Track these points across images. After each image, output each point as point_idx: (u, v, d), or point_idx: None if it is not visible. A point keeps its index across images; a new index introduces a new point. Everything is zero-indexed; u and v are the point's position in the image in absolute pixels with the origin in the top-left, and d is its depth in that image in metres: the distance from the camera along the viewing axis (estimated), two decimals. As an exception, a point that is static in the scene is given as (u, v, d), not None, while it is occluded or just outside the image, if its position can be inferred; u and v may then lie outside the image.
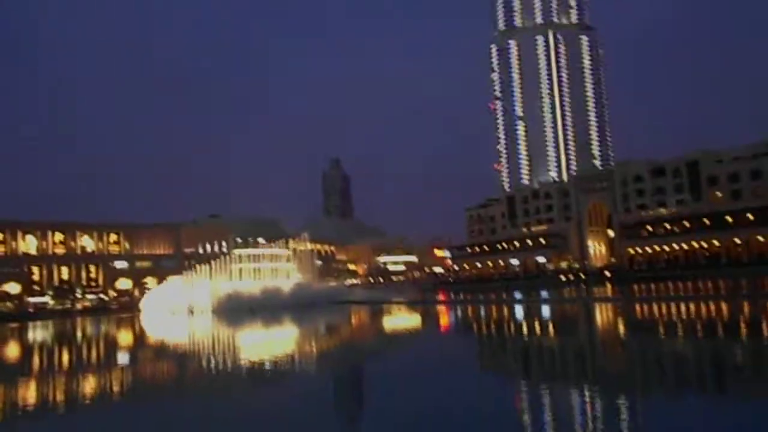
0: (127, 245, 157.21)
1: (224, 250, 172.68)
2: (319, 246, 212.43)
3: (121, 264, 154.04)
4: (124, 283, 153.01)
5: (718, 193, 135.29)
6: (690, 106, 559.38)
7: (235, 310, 74.32)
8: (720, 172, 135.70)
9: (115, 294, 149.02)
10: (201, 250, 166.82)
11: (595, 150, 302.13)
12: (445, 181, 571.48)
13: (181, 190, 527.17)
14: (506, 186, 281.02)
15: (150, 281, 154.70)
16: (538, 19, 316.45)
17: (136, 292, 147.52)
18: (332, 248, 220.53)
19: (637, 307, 41.60)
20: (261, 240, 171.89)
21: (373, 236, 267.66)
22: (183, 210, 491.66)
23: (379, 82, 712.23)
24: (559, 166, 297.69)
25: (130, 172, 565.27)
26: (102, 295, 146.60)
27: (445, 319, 45.88)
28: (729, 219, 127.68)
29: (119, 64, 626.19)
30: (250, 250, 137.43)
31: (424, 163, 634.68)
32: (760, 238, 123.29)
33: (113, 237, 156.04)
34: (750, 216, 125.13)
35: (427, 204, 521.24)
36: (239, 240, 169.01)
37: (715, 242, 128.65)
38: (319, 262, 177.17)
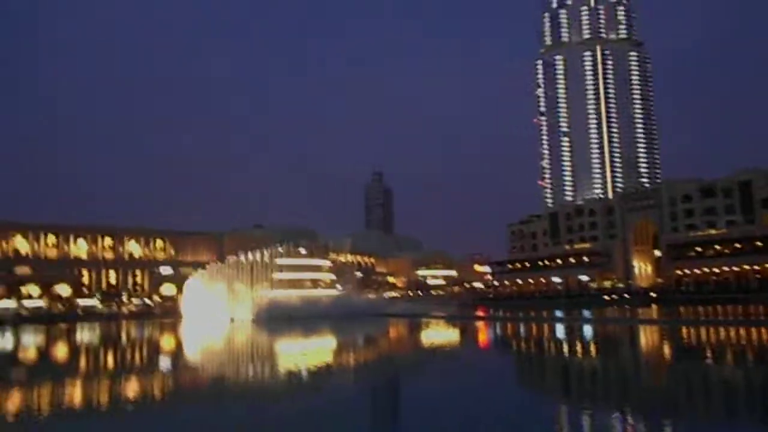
0: (172, 251, 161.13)
1: (266, 259, 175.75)
2: (359, 258, 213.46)
3: (166, 270, 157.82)
4: (168, 289, 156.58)
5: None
6: (740, 125, 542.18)
7: (275, 319, 75.18)
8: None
9: (159, 299, 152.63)
10: (243, 259, 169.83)
11: (642, 167, 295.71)
12: (486, 197, 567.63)
13: (223, 200, 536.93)
14: (549, 202, 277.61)
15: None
16: (586, 34, 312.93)
17: (180, 298, 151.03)
18: (372, 260, 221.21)
19: (684, 330, 40.42)
20: (302, 250, 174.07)
21: (412, 250, 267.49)
22: (225, 220, 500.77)
23: (422, 97, 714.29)
24: (604, 183, 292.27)
25: (173, 180, 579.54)
26: (147, 300, 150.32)
27: (483, 336, 45.46)
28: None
29: (167, 67, 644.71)
30: (291, 260, 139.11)
31: (466, 178, 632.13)
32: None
33: (159, 243, 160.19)
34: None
35: (469, 219, 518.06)
36: (281, 249, 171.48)
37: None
38: (359, 274, 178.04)
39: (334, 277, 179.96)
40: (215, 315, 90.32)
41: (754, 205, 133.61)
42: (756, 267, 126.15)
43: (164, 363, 32.40)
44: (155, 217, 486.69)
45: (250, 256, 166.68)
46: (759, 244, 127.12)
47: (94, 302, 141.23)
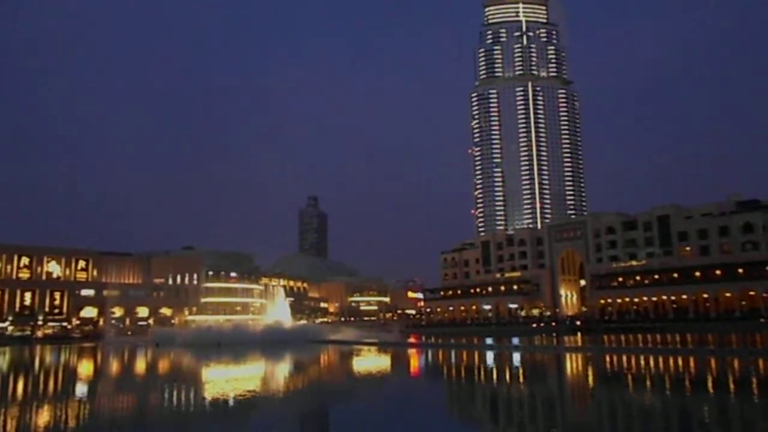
0: (95, 273, 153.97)
1: (195, 282, 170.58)
2: (292, 282, 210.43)
3: (87, 292, 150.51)
4: (89, 312, 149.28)
5: (688, 248, 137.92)
6: (662, 162, 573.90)
7: (202, 345, 72.69)
8: (689, 227, 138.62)
9: (78, 322, 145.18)
10: (171, 282, 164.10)
11: (570, 200, 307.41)
12: (421, 224, 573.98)
13: (155, 220, 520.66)
14: (482, 231, 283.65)
15: (117, 311, 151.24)
16: (518, 71, 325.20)
17: (101, 322, 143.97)
18: (305, 285, 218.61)
19: (607, 358, 41.71)
20: (233, 274, 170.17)
21: (346, 275, 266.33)
22: (156, 240, 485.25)
23: (361, 124, 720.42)
24: (534, 214, 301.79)
25: (102, 199, 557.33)
26: (65, 323, 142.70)
27: (415, 363, 45.42)
28: (697, 274, 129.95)
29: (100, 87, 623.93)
30: (221, 284, 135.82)
31: (402, 206, 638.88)
32: (727, 294, 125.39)
33: (81, 264, 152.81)
34: (718, 272, 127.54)
35: (403, 246, 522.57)
36: (211, 273, 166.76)
37: (684, 296, 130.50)
38: (291, 299, 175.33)
39: (265, 301, 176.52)
40: (139, 339, 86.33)
41: (672, 238, 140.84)
42: (673, 297, 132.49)
43: (73, 391, 30.56)
44: (78, 236, 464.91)
45: (178, 279, 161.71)
46: (675, 275, 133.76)
47: (5, 325, 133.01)
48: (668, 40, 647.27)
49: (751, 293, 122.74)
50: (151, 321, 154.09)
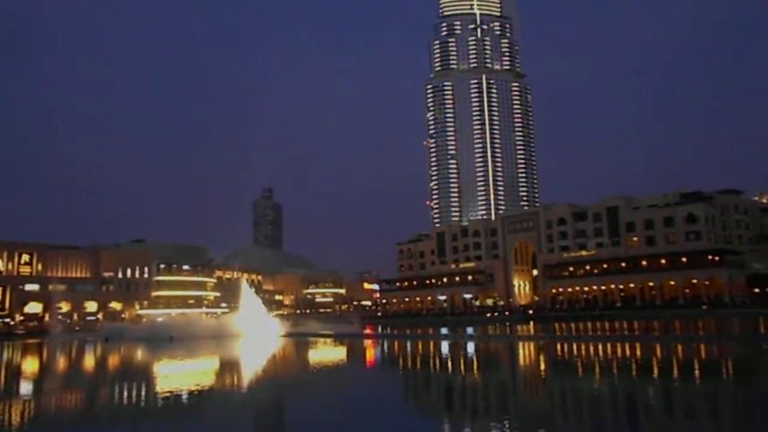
0: (40, 267, 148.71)
1: (146, 276, 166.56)
2: (246, 275, 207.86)
3: (32, 287, 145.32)
4: (34, 307, 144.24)
5: (635, 238, 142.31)
6: (610, 154, 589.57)
7: (155, 339, 71.16)
8: (636, 218, 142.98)
9: (22, 318, 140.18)
10: (121, 275, 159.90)
11: (523, 191, 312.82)
12: (378, 216, 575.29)
13: (103, 213, 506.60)
14: (437, 222, 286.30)
15: (64, 306, 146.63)
16: (473, 63, 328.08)
17: (47, 317, 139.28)
18: (260, 278, 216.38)
19: (558, 346, 42.70)
20: (186, 267, 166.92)
21: (302, 267, 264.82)
22: (104, 233, 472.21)
23: (314, 114, 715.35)
24: (488, 205, 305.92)
25: (47, 190, 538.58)
26: (8, 320, 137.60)
27: (371, 354, 45.55)
28: (644, 263, 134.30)
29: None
30: (173, 277, 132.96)
31: (358, 198, 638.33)
32: (672, 282, 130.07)
33: (25, 257, 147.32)
34: (663, 261, 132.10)
35: (360, 238, 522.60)
36: (162, 266, 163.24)
37: (631, 284, 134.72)
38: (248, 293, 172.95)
39: (219, 294, 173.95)
40: (88, 335, 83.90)
41: (620, 228, 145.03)
42: (621, 286, 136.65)
43: (17, 389, 29.49)
44: (22, 229, 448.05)
45: (128, 272, 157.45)
46: (623, 264, 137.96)
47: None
48: (620, 34, 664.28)
49: (694, 281, 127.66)
50: (100, 316, 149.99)
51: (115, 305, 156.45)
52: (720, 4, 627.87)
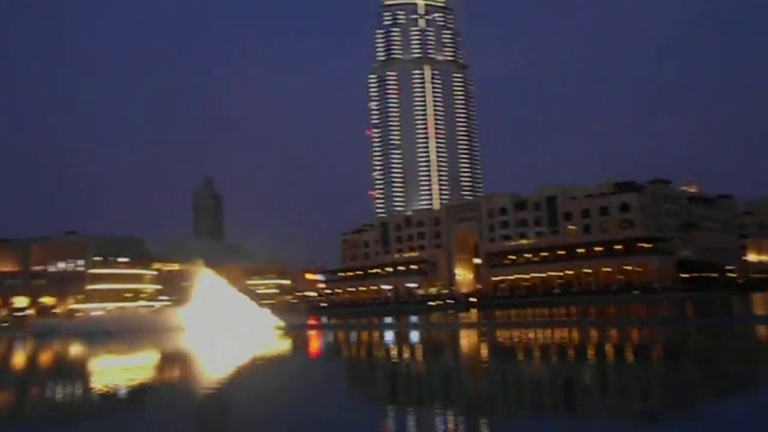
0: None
1: (80, 269, 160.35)
2: (186, 267, 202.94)
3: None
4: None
5: (572, 227, 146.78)
6: (550, 145, 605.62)
7: (90, 335, 68.67)
8: (573, 207, 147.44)
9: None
10: (53, 269, 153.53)
11: (465, 182, 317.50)
12: (322, 206, 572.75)
13: (32, 204, 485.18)
14: (381, 212, 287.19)
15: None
16: (416, 54, 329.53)
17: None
18: (200, 269, 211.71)
19: (499, 332, 43.64)
20: (123, 259, 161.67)
21: (245, 258, 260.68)
22: (34, 226, 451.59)
23: (257, 103, 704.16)
24: (431, 195, 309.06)
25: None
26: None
27: (315, 344, 45.34)
28: (580, 251, 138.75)
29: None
30: (109, 270, 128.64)
31: (302, 187, 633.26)
32: (606, 269, 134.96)
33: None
34: (598, 249, 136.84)
35: (304, 228, 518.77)
36: (98, 259, 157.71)
37: (569, 271, 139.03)
38: (186, 284, 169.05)
39: (158, 287, 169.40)
40: (18, 331, 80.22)
41: (558, 217, 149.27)
42: (559, 273, 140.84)
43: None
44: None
45: (61, 266, 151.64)
46: (561, 252, 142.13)
47: None
48: (561, 26, 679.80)
49: (627, 267, 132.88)
50: (31, 311, 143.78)
51: (47, 300, 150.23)
52: None
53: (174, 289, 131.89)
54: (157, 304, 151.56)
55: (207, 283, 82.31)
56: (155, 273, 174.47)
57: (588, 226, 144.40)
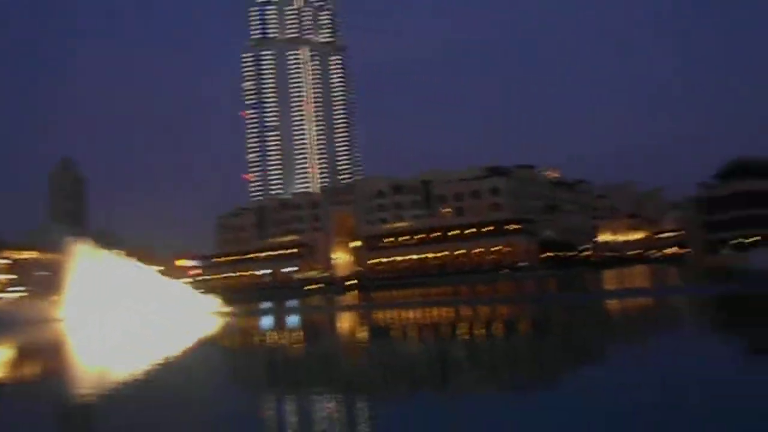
0: None
1: None
2: (43, 255, 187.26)
3: None
4: None
5: (447, 210, 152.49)
6: (428, 129, 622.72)
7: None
8: (448, 191, 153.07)
9: None
10: None
11: (344, 165, 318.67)
12: (196, 189, 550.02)
13: None
14: (257, 196, 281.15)
15: None
16: (292, 33, 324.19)
17: None
18: (60, 258, 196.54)
19: (377, 313, 44.47)
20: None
21: (111, 245, 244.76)
22: None
23: (124, 83, 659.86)
24: (309, 178, 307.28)
25: None
26: None
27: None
28: (454, 233, 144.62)
29: None
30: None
31: (174, 170, 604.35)
32: (478, 250, 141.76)
33: None
34: (470, 230, 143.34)
35: (177, 212, 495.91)
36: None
37: (444, 253, 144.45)
38: (44, 274, 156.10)
39: (12, 276, 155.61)
40: None
41: (434, 200, 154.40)
42: (436, 255, 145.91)
43: None
44: None
45: None
46: (437, 235, 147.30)
47: None
48: (443, 14, 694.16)
49: (496, 248, 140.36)
50: None
51: None
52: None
53: (30, 278, 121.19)
54: (7, 296, 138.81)
55: (89, 264, 69.33)
56: (8, 262, 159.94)
57: (461, 208, 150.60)
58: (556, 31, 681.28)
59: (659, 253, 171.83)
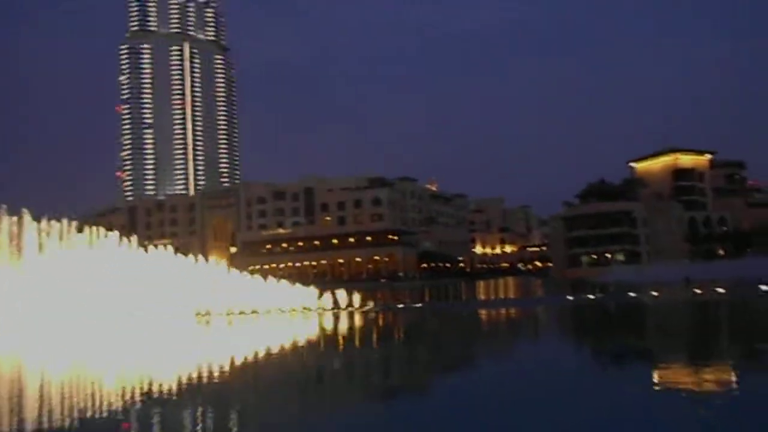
0: None
1: None
2: None
3: None
4: None
5: (328, 218, 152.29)
6: (312, 136, 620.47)
7: None
8: (330, 199, 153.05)
9: None
10: None
11: (224, 168, 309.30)
12: (61, 186, 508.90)
13: None
14: (129, 196, 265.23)
15: None
16: (174, 28, 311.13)
17: None
18: None
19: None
20: None
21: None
22: None
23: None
24: (186, 179, 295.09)
25: None
26: None
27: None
28: (335, 241, 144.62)
29: None
30: None
31: (39, 165, 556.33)
32: (358, 259, 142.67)
33: None
34: (351, 239, 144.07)
35: (40, 211, 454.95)
36: None
37: (323, 261, 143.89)
38: None
39: None
40: None
41: (315, 208, 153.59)
42: (314, 263, 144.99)
43: None
44: None
45: None
46: (317, 243, 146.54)
47: None
48: (337, 17, 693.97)
49: (376, 258, 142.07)
50: None
51: None
52: None
53: None
54: None
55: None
56: None
57: (343, 217, 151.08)
58: (440, 39, 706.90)
59: (527, 266, 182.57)
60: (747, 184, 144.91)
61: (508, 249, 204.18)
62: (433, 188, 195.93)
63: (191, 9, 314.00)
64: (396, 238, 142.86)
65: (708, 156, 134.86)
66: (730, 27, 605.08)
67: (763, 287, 38.79)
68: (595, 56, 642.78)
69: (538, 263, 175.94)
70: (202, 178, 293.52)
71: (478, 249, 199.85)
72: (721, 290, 42.88)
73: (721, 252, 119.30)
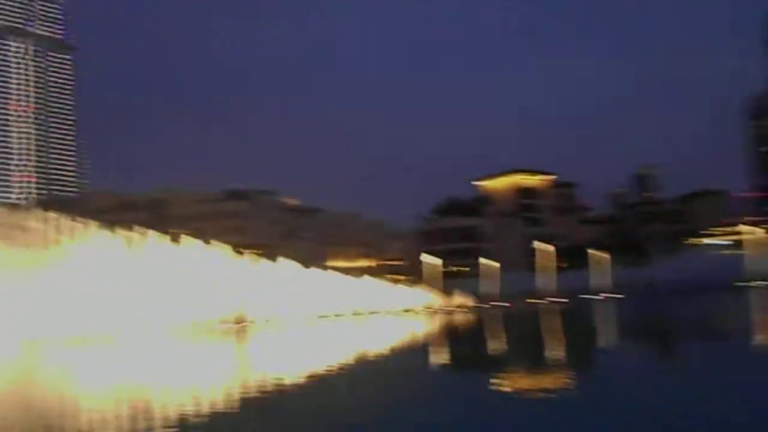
0: None
1: None
2: None
3: None
4: None
5: (179, 231, 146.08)
6: (170, 145, 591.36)
7: None
8: (185, 211, 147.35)
9: None
10: None
11: (68, 176, 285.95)
12: None
13: None
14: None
15: None
16: (14, 21, 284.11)
17: None
18: None
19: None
20: None
21: None
22: None
23: None
24: (24, 188, 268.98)
25: None
26: None
27: None
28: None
29: None
30: None
31: None
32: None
33: None
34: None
35: None
36: None
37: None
38: None
39: None
40: None
41: (168, 220, 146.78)
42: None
43: None
44: None
45: None
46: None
47: None
48: (198, 26, 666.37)
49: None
50: None
51: None
52: None
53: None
54: None
55: None
56: None
57: (200, 230, 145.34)
58: (338, 48, 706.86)
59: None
60: (576, 203, 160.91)
61: (366, 263, 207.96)
62: (294, 202, 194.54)
63: (33, 3, 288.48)
64: (255, 252, 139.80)
65: (550, 177, 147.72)
66: (595, 47, 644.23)
67: (584, 295, 43.45)
68: (454, 74, 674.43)
69: (397, 276, 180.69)
70: (44, 185, 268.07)
71: (336, 263, 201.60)
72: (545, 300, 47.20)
73: (563, 265, 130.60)
